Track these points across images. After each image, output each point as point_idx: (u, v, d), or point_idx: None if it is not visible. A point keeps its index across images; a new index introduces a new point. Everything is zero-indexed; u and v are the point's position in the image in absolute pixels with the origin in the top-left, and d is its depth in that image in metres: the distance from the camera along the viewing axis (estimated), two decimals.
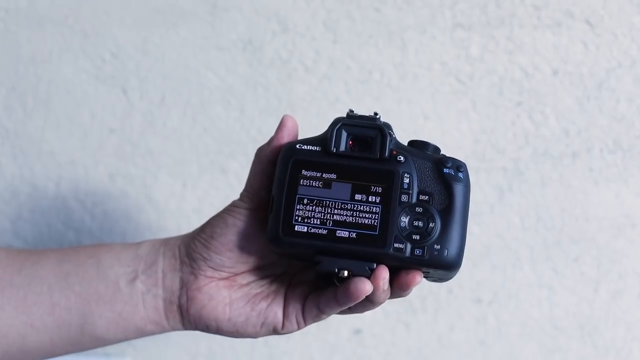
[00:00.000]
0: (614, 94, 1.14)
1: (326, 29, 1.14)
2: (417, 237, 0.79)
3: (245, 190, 0.84)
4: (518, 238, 1.15)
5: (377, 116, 0.82)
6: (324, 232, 0.80)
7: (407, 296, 0.82)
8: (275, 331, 0.85)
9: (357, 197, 0.80)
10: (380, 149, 0.80)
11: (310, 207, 0.80)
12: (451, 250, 0.79)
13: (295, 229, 0.80)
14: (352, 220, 0.80)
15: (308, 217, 0.80)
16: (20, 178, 1.15)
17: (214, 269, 0.84)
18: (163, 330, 0.86)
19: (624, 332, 1.15)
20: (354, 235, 0.79)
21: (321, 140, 0.82)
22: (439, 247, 0.79)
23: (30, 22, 1.14)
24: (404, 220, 0.80)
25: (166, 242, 0.87)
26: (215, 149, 1.15)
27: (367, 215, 0.80)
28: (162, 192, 1.15)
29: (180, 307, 0.85)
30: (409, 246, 0.79)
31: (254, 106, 1.15)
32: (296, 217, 0.80)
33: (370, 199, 0.80)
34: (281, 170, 0.81)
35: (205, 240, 0.84)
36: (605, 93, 1.14)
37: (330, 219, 0.80)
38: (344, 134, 0.81)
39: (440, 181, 0.81)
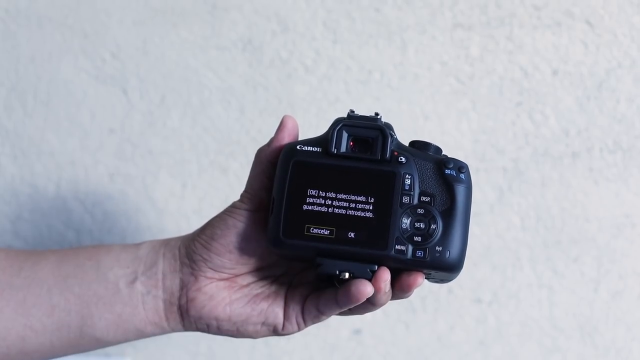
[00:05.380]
0: (614, 94, 1.14)
1: (326, 29, 1.14)
2: (419, 238, 0.79)
3: (245, 191, 0.84)
4: (518, 238, 1.15)
5: (378, 116, 0.81)
6: (325, 233, 0.79)
7: None
8: (275, 332, 0.85)
9: (358, 198, 0.80)
10: (381, 149, 0.80)
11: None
12: (453, 252, 0.79)
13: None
14: (353, 222, 0.79)
15: None
16: (20, 178, 1.15)
17: (214, 270, 0.84)
18: (163, 332, 0.86)
19: (624, 332, 1.15)
20: (355, 237, 0.79)
21: (322, 141, 0.81)
22: (440, 248, 0.79)
23: (30, 22, 1.14)
24: (406, 221, 0.79)
25: (166, 243, 0.87)
26: (215, 149, 1.15)
27: (368, 217, 0.79)
28: (162, 192, 1.15)
29: (180, 308, 0.85)
30: (410, 248, 0.79)
31: (254, 106, 1.15)
32: None
33: (371, 200, 0.80)
34: (281, 171, 0.81)
35: (205, 242, 0.83)
36: (605, 93, 1.14)
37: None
38: (345, 135, 0.81)
39: (442, 182, 0.80)
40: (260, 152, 0.84)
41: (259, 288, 0.85)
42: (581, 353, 1.15)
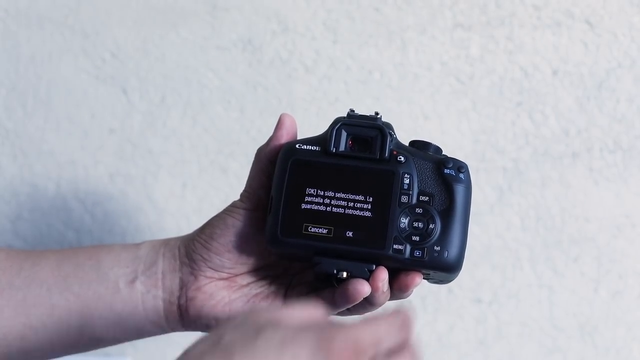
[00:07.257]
0: (614, 94, 1.14)
1: (326, 29, 1.14)
2: (417, 238, 0.79)
3: (245, 190, 0.84)
4: (518, 238, 1.15)
5: (378, 116, 0.81)
6: (323, 232, 0.79)
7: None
8: None
9: (357, 197, 0.80)
10: (380, 149, 0.80)
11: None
12: (451, 252, 0.79)
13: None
14: (351, 221, 0.79)
15: None
16: (20, 178, 1.15)
17: (214, 269, 0.84)
18: (163, 331, 0.86)
19: (624, 332, 1.15)
20: (353, 236, 0.79)
21: (321, 140, 0.81)
22: (439, 248, 0.79)
23: (30, 22, 1.14)
24: (404, 221, 0.79)
25: (166, 242, 0.87)
26: (215, 149, 1.15)
27: (366, 216, 0.79)
28: (162, 192, 1.15)
29: (179, 307, 0.85)
30: (408, 247, 0.78)
31: (254, 106, 1.15)
32: None
33: (369, 200, 0.79)
34: (280, 170, 0.81)
35: (204, 241, 0.83)
36: (605, 93, 1.14)
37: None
38: (344, 134, 0.81)
39: (441, 182, 0.80)
40: (259, 152, 0.84)
41: (258, 288, 0.85)
42: (581, 353, 1.15)
